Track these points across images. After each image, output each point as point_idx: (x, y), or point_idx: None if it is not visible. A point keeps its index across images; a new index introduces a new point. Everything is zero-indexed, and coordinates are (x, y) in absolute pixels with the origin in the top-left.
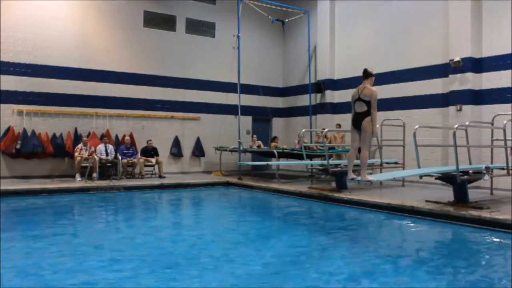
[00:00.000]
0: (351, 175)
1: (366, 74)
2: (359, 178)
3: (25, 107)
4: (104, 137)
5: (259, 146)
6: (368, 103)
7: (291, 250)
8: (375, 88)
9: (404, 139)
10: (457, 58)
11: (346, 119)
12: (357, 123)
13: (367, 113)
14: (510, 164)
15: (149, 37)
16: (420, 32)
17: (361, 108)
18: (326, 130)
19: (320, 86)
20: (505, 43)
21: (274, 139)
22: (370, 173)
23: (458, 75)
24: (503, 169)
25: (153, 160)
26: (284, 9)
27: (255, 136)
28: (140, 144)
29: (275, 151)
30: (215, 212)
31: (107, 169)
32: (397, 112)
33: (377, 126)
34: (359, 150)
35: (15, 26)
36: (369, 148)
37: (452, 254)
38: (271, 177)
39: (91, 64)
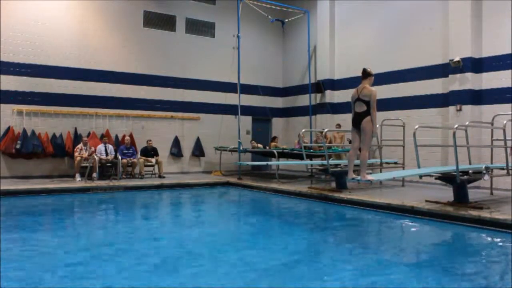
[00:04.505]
0: (351, 175)
1: (365, 74)
2: (359, 177)
3: (25, 107)
4: (104, 137)
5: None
6: (367, 103)
7: (290, 250)
8: (374, 88)
9: (404, 139)
10: (457, 58)
11: (346, 119)
12: (357, 123)
13: (367, 113)
14: (510, 164)
15: (149, 37)
16: (420, 32)
17: (360, 108)
18: (326, 130)
19: (320, 86)
20: (505, 43)
21: (274, 139)
22: (370, 173)
23: (458, 75)
24: (503, 169)
25: (153, 160)
26: (284, 9)
27: (253, 141)
28: (140, 144)
29: (275, 151)
30: (214, 212)
31: (107, 169)
32: (397, 112)
33: (377, 126)
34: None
35: (15, 26)
36: (369, 148)
37: (451, 254)
38: (271, 177)
39: (91, 64)
